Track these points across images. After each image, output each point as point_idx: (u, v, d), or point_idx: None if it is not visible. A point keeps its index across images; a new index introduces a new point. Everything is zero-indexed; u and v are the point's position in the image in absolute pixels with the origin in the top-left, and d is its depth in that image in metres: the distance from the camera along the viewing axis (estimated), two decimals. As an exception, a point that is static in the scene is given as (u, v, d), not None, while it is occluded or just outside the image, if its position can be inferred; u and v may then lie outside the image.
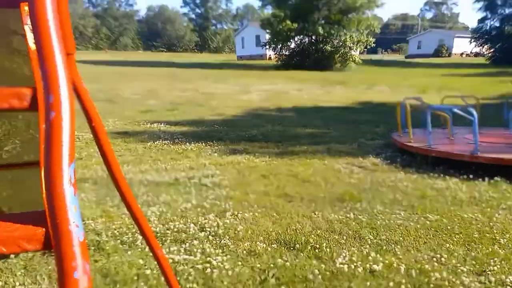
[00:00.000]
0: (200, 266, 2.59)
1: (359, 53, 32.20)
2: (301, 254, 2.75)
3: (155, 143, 6.35)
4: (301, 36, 29.53)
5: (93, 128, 1.26)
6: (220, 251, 2.82)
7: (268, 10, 33.62)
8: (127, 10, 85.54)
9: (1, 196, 2.53)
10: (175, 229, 3.24)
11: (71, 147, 0.58)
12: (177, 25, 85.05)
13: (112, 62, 32.95)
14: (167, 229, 3.25)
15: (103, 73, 23.26)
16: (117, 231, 3.18)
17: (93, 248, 2.88)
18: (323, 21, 28.56)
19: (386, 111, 9.88)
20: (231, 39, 76.01)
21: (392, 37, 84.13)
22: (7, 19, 1.11)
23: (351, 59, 28.48)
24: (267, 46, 31.81)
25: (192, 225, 3.31)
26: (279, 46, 30.13)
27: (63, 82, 0.62)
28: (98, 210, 3.65)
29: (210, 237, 3.07)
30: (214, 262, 2.63)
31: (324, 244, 2.91)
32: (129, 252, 2.82)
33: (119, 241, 3.00)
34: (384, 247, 2.90)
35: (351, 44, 27.99)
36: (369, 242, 3.00)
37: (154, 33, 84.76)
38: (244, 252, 2.79)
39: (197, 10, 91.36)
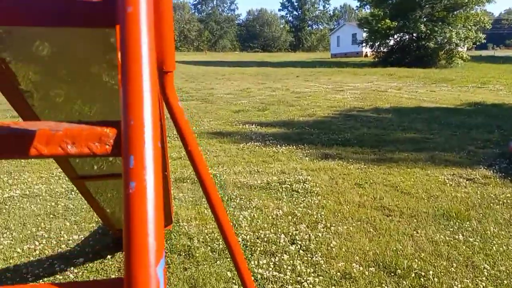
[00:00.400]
0: (290, 287, 2.47)
1: (467, 49, 29.51)
2: (404, 282, 2.48)
3: (248, 144, 6.40)
4: (401, 34, 28.12)
5: (189, 152, 1.18)
6: (312, 270, 2.67)
7: (367, 10, 32.60)
8: (228, 15, 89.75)
9: (106, 197, 2.68)
10: (266, 239, 3.17)
11: (158, 237, 0.44)
12: (274, 27, 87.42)
13: (210, 62, 34.56)
14: (257, 238, 3.19)
15: (200, 72, 24.46)
16: (209, 236, 3.20)
17: (183, 254, 2.92)
18: (425, 19, 26.87)
19: (502, 114, 8.80)
20: (326, 38, 76.36)
21: (505, 32, 75.97)
22: (108, 35, 1.07)
23: (458, 55, 26.20)
24: (364, 44, 30.78)
25: (282, 235, 3.21)
26: (376, 44, 28.97)
27: (148, 133, 0.48)
28: (193, 212, 3.74)
29: (301, 252, 2.94)
30: (305, 284, 2.49)
31: (431, 272, 2.59)
32: (218, 262, 2.81)
33: (209, 248, 3.02)
34: (505, 282, 2.49)
35: (458, 41, 25.77)
36: (485, 273, 2.60)
37: (251, 35, 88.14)
38: (338, 274, 2.60)
39: (295, 13, 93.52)
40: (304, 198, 4.09)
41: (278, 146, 6.30)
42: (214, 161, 5.50)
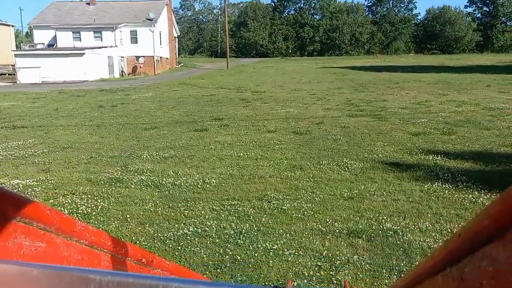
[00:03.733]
0: None
1: None
2: None
3: (434, 185, 5.35)
4: None
5: None
6: None
7: None
8: (405, 15, 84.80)
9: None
10: None
11: None
12: (458, 25, 78.60)
13: (382, 67, 32.77)
14: None
15: (371, 80, 23.23)
16: None
17: None
18: None
19: None
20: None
21: None
22: None
23: None
24: None
25: None
26: None
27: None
28: (371, 290, 3.09)
29: None
30: None
31: None
32: None
33: None
34: None
35: None
36: None
37: (429, 36, 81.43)
38: None
39: (485, 8, 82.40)
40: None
41: (476, 192, 5.07)
42: (393, 207, 4.70)
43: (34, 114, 13.42)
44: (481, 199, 4.83)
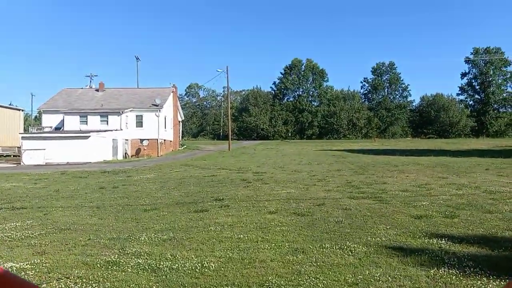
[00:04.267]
0: None
1: None
2: None
3: (440, 271, 5.18)
4: None
5: None
6: None
7: None
8: (400, 102, 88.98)
9: None
10: None
11: None
12: (452, 112, 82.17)
13: (380, 150, 33.38)
14: None
15: (370, 162, 23.55)
16: None
17: None
18: None
19: None
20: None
21: None
22: None
23: None
24: None
25: None
26: None
27: None
28: None
29: None
30: None
31: None
32: None
33: None
34: None
35: None
36: None
37: (425, 121, 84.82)
38: None
39: (476, 96, 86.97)
40: None
41: (484, 278, 4.89)
42: (399, 294, 4.50)
43: (35, 195, 13.41)
44: (490, 285, 4.64)
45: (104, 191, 14.22)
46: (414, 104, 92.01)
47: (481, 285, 4.69)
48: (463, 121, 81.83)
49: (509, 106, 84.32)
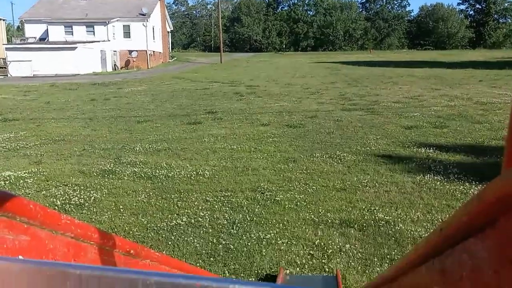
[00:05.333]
0: None
1: None
2: None
3: (426, 177, 5.40)
4: None
5: None
6: None
7: None
8: (398, 12, 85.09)
9: None
10: None
11: None
12: (451, 22, 79.00)
13: (375, 62, 32.88)
14: None
15: (364, 74, 23.31)
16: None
17: None
18: None
19: None
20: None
21: None
22: None
23: None
24: None
25: None
26: None
27: None
28: (363, 278, 3.11)
29: None
30: None
31: None
32: None
33: None
34: None
35: None
36: None
37: (423, 32, 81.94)
38: None
39: (477, 6, 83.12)
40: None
41: (467, 183, 5.12)
42: (385, 198, 4.73)
43: (25, 107, 13.29)
44: (472, 190, 4.88)
45: (95, 103, 14.11)
46: (412, 14, 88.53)
47: (463, 189, 4.93)
48: (462, 32, 79.63)
49: (509, 17, 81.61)
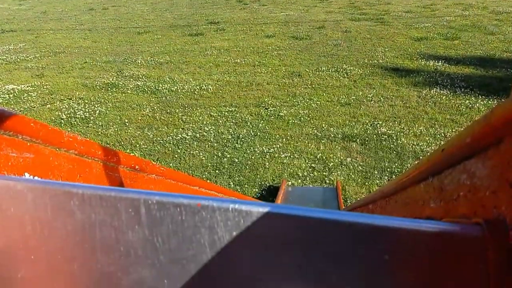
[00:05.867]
0: None
1: None
2: None
3: (432, 91, 5.33)
4: None
5: None
6: None
7: None
8: None
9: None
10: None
11: None
12: None
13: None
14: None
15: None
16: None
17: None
18: None
19: None
20: None
21: None
22: None
23: None
24: None
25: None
26: None
27: None
28: (363, 189, 3.24)
29: None
30: None
31: None
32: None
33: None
34: None
35: None
36: None
37: None
38: None
39: None
40: None
41: (473, 98, 5.07)
42: (389, 112, 4.73)
43: (22, 17, 12.80)
44: (477, 104, 4.85)
45: (94, 12, 13.53)
46: None
47: (468, 104, 4.89)
48: None
49: None
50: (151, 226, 0.47)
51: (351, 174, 3.44)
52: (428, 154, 0.56)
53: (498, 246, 0.37)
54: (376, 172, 3.43)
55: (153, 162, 1.23)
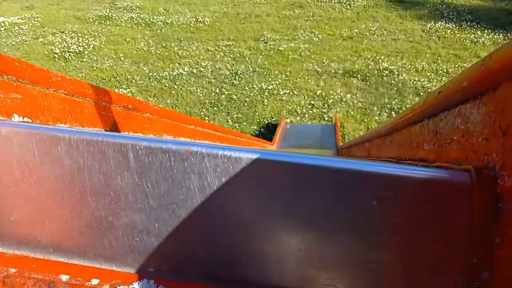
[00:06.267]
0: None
1: None
2: None
3: (436, 24, 5.14)
4: None
5: None
6: None
7: None
8: None
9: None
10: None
11: None
12: None
13: None
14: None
15: None
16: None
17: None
18: None
19: None
20: None
21: None
22: None
23: None
24: None
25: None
26: None
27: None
28: (361, 126, 3.25)
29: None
30: None
31: None
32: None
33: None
34: None
35: None
36: None
37: None
38: None
39: None
40: None
41: (479, 32, 4.91)
42: (391, 47, 4.60)
43: None
44: (483, 39, 4.70)
45: None
46: None
47: (474, 38, 4.74)
48: None
49: None
50: (140, 171, 0.47)
51: (350, 110, 3.42)
52: (426, 94, 0.55)
53: (486, 194, 0.37)
54: (375, 109, 3.41)
55: (147, 101, 1.21)
